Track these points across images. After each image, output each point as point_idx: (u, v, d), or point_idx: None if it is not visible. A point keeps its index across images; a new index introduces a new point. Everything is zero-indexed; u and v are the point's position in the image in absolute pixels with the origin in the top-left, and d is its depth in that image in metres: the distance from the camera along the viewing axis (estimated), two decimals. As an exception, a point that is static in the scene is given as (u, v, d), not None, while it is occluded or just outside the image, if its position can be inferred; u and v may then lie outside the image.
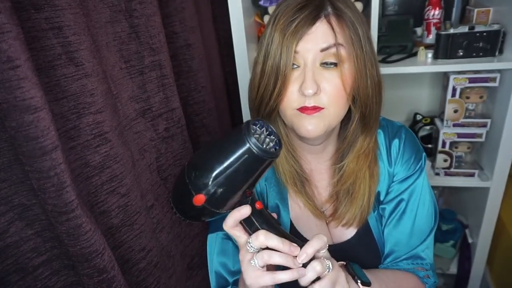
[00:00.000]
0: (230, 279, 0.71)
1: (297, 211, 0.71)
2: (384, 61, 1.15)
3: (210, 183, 0.45)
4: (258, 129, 0.46)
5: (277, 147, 0.46)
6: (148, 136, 0.79)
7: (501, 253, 1.31)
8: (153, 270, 0.74)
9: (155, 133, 0.80)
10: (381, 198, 0.72)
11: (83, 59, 0.56)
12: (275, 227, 0.52)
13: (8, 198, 0.52)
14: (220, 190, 0.46)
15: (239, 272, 0.70)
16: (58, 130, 0.53)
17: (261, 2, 1.10)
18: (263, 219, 0.52)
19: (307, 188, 0.70)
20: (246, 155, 0.44)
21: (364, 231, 0.71)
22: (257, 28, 1.18)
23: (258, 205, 0.52)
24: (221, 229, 0.72)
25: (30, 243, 0.56)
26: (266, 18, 1.12)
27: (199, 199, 0.46)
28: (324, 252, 0.52)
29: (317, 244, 0.49)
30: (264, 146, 0.44)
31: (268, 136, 0.46)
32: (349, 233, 0.71)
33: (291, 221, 0.70)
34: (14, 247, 0.54)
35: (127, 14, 0.70)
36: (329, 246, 0.70)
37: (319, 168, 0.73)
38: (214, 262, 0.72)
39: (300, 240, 0.51)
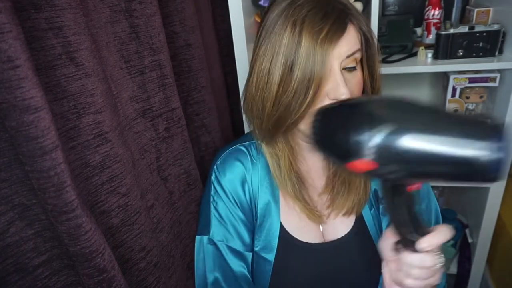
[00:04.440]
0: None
1: (286, 210, 0.71)
2: (384, 61, 1.15)
3: (397, 156, 0.34)
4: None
5: None
6: (148, 136, 0.79)
7: (501, 253, 1.31)
8: (153, 269, 0.74)
9: (155, 133, 0.80)
10: (380, 195, 0.72)
11: (83, 59, 0.56)
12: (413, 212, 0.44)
13: (8, 198, 0.52)
14: (400, 171, 0.36)
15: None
16: (58, 130, 0.53)
17: (261, 2, 1.10)
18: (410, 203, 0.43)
19: (303, 192, 0.70)
20: (474, 165, 0.32)
21: (359, 228, 0.71)
22: (257, 28, 1.18)
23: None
24: (205, 233, 0.73)
25: (30, 243, 0.56)
26: (266, 18, 1.12)
27: (363, 164, 0.36)
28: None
29: (444, 237, 0.47)
30: None
31: None
32: (342, 231, 0.71)
33: (281, 223, 0.71)
34: (14, 247, 0.54)
35: (127, 14, 0.70)
36: (320, 244, 0.70)
37: (315, 167, 0.73)
38: (209, 276, 0.72)
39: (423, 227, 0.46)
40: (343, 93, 0.55)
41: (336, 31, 0.55)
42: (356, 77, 0.60)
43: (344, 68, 0.58)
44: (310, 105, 0.56)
